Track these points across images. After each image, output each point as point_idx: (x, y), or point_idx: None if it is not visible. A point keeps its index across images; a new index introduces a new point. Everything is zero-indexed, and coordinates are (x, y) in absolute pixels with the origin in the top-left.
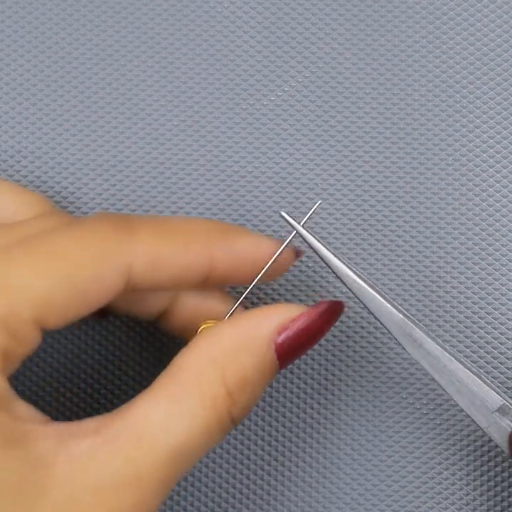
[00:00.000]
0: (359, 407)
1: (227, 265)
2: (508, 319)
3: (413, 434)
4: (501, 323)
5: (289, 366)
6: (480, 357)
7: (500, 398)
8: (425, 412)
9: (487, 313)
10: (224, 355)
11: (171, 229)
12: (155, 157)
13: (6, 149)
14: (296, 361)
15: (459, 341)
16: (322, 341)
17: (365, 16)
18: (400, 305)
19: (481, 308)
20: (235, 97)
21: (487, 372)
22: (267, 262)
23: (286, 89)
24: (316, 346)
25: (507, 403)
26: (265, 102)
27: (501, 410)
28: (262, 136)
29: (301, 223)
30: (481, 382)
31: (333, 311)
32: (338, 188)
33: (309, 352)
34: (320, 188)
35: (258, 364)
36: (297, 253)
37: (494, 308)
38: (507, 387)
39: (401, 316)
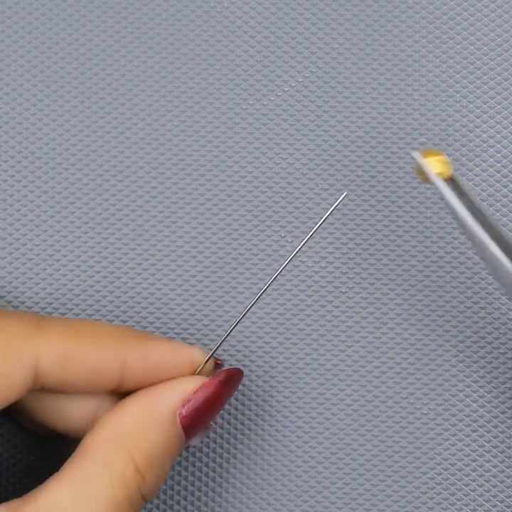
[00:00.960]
0: (359, 407)
1: (141, 370)
2: (509, 319)
3: (413, 434)
4: (502, 323)
5: (289, 365)
6: (480, 357)
7: None
8: (425, 412)
9: (487, 313)
10: (129, 433)
11: (81, 329)
12: (155, 157)
13: (7, 149)
14: (295, 360)
15: (459, 341)
16: (321, 341)
17: (365, 16)
18: (400, 305)
19: (481, 308)
20: (235, 97)
21: (487, 372)
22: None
23: (286, 89)
24: (315, 347)
25: None
26: (265, 102)
27: None
28: (262, 136)
29: (326, 216)
30: None
31: (232, 377)
32: (338, 188)
33: (308, 352)
34: (320, 188)
35: (164, 438)
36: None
37: (494, 308)
38: (507, 388)
39: None
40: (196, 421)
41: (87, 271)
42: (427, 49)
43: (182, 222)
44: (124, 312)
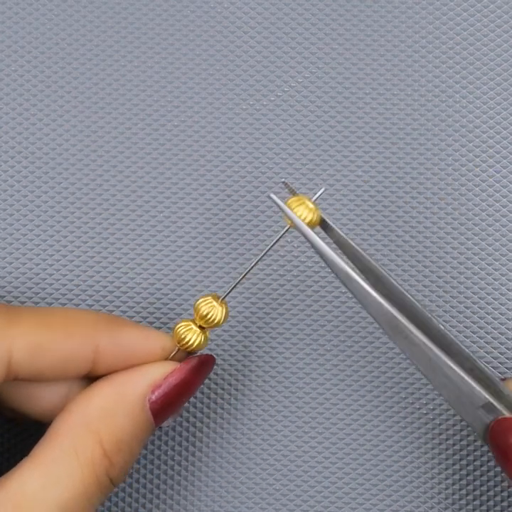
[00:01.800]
0: (359, 407)
1: (112, 356)
2: (508, 319)
3: (413, 434)
4: (501, 323)
5: (288, 365)
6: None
7: (486, 395)
8: (425, 412)
9: (487, 313)
10: (98, 417)
11: (52, 318)
12: (155, 157)
13: (7, 150)
14: (295, 360)
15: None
16: (321, 341)
17: (365, 16)
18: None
19: (480, 308)
20: (235, 97)
21: None
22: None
23: (286, 89)
24: (315, 347)
25: (491, 401)
26: (265, 102)
27: (486, 407)
28: (262, 136)
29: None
30: (467, 379)
31: (203, 364)
32: (338, 188)
33: (308, 352)
34: (320, 188)
35: (133, 424)
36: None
37: (494, 308)
38: None
39: (389, 308)
40: (166, 406)
41: (87, 271)
42: (427, 49)
43: (182, 222)
44: (124, 312)
